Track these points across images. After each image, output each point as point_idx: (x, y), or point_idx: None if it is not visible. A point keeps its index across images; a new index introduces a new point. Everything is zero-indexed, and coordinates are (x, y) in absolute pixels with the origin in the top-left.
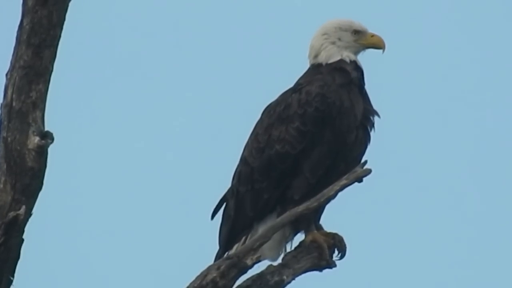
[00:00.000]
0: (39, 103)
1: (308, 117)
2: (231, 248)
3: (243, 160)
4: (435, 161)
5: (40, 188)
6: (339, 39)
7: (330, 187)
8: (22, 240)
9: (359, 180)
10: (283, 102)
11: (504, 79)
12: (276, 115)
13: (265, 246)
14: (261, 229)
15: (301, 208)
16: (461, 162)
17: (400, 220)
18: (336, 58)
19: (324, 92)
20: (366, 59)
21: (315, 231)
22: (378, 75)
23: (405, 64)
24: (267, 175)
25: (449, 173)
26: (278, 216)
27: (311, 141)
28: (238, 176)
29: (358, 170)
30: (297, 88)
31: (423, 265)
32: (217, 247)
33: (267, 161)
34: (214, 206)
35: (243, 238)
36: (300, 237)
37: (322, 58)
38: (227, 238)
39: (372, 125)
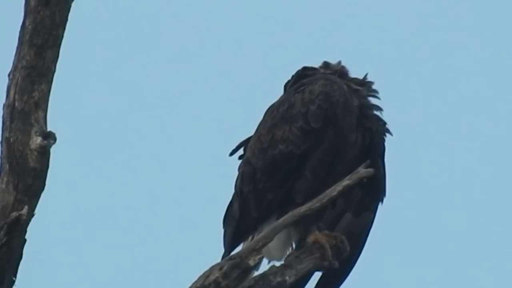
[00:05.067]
0: (42, 104)
1: (310, 115)
2: (236, 249)
3: (246, 160)
4: (437, 161)
5: (42, 189)
6: None
7: (333, 187)
8: (25, 240)
9: (362, 181)
10: (286, 102)
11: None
12: (279, 115)
13: (272, 246)
14: (265, 230)
15: (303, 208)
16: (463, 163)
17: (402, 220)
18: None
19: (327, 90)
20: (368, 59)
21: (317, 232)
22: (380, 76)
23: (405, 64)
24: (271, 175)
25: (450, 174)
26: (278, 217)
27: (315, 140)
28: (241, 176)
29: (360, 170)
30: (300, 88)
31: (425, 265)
32: (220, 247)
33: (270, 161)
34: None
35: (249, 238)
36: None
37: None
38: (232, 239)
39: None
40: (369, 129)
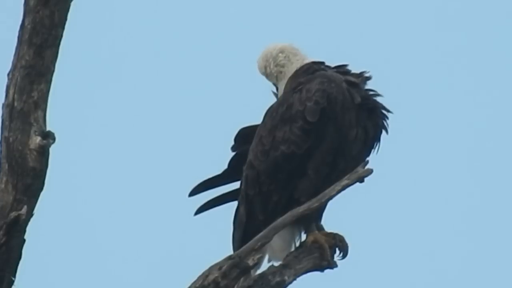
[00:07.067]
0: (41, 103)
1: (308, 111)
2: None
3: (249, 163)
4: (437, 161)
5: (41, 188)
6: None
7: (332, 187)
8: (24, 240)
9: (361, 180)
10: (285, 102)
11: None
12: (279, 116)
13: (275, 247)
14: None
15: (302, 208)
16: (462, 162)
17: (401, 220)
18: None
19: (324, 87)
20: (369, 58)
21: (317, 231)
22: (381, 74)
23: (405, 63)
24: (274, 177)
25: (450, 173)
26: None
27: (316, 139)
28: (245, 180)
29: (359, 170)
30: (298, 87)
31: (424, 265)
32: (220, 247)
33: (273, 163)
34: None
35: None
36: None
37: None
38: (240, 243)
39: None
40: (374, 122)
